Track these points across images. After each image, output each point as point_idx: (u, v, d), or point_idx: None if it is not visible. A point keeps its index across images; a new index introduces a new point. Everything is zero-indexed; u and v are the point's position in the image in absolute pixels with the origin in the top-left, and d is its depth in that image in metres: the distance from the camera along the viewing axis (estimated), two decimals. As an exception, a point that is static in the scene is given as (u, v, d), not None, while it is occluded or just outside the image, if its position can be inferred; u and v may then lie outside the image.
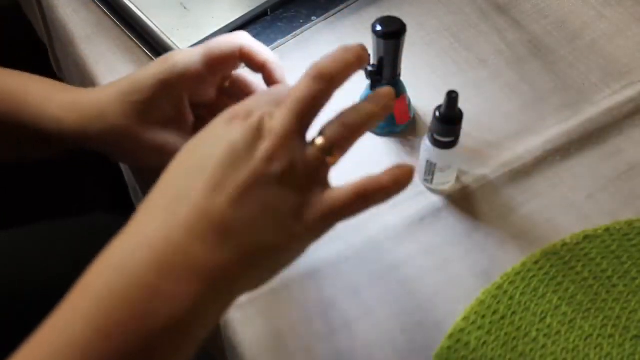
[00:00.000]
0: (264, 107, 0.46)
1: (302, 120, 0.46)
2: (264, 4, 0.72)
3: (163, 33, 0.70)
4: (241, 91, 0.60)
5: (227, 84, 0.60)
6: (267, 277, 0.46)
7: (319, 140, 0.47)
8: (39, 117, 0.57)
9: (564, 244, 0.59)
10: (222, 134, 0.45)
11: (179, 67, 0.56)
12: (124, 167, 0.72)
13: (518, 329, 0.55)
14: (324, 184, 0.47)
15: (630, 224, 0.60)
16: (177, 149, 0.49)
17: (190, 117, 0.58)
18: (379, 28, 0.58)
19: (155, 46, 0.70)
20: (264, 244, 0.44)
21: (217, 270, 0.43)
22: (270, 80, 0.57)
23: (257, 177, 0.44)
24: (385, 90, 0.50)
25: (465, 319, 0.55)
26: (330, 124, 0.48)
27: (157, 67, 0.56)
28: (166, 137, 0.57)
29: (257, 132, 0.45)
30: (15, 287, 0.72)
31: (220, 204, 0.43)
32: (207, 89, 0.59)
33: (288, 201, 0.44)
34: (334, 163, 0.47)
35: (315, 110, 0.46)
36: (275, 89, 0.51)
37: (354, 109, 0.48)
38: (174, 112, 0.57)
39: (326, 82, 0.46)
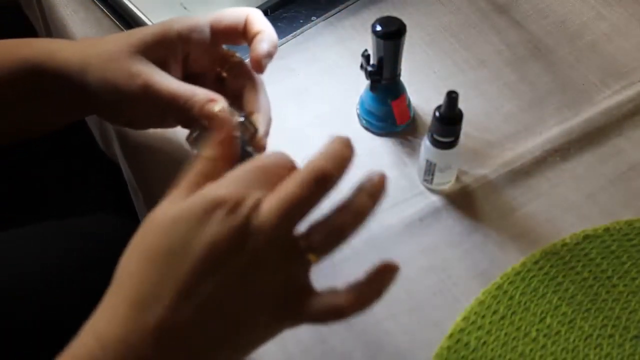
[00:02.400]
0: (254, 193, 0.42)
1: (291, 222, 0.42)
2: (264, 4, 0.72)
3: (163, 33, 0.70)
4: (237, 82, 0.58)
5: (224, 73, 0.59)
6: None
7: (303, 243, 0.43)
8: (64, 62, 0.56)
9: (564, 244, 0.59)
10: (204, 226, 0.41)
11: (180, 25, 0.56)
12: (124, 167, 0.72)
13: (518, 329, 0.55)
14: (305, 285, 0.44)
15: (630, 224, 0.60)
16: (154, 85, 0.50)
17: (178, 76, 0.57)
18: (378, 28, 0.58)
19: (155, 46, 0.70)
20: (226, 355, 0.42)
21: None
22: (253, 51, 0.56)
23: (234, 285, 0.41)
24: (379, 177, 0.44)
25: (465, 319, 0.55)
26: (318, 225, 0.43)
27: (166, 21, 0.56)
28: (144, 68, 0.54)
29: (242, 233, 0.41)
30: (15, 287, 0.72)
31: (188, 316, 0.40)
32: (203, 58, 0.58)
33: (262, 314, 0.42)
34: (315, 262, 0.43)
35: (307, 211, 0.42)
36: (270, 163, 0.44)
37: (346, 209, 0.43)
38: (163, 65, 0.56)
39: (326, 186, 0.42)
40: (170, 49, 0.56)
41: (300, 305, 0.43)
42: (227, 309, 0.41)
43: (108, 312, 0.42)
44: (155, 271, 0.41)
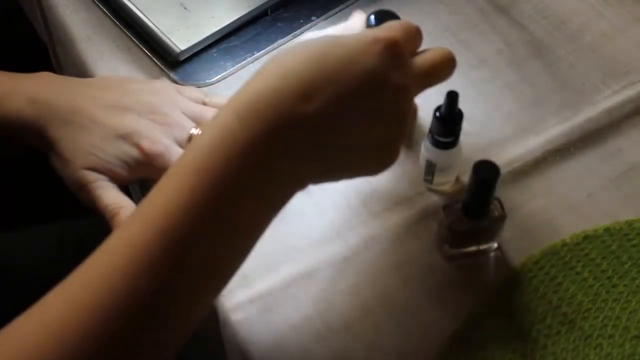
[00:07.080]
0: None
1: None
2: (264, 4, 0.72)
3: (163, 33, 0.70)
4: None
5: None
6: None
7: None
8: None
9: (564, 244, 0.59)
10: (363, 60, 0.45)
11: None
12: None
13: (518, 329, 0.55)
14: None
15: (630, 224, 0.60)
16: None
17: None
18: (373, 22, 0.58)
19: (155, 46, 0.70)
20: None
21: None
22: None
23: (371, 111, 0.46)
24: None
25: (466, 318, 0.55)
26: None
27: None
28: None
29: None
30: (15, 287, 0.72)
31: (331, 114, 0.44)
32: None
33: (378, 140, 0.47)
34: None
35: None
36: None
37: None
38: None
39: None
40: None
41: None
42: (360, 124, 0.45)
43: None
44: (319, 71, 0.44)
